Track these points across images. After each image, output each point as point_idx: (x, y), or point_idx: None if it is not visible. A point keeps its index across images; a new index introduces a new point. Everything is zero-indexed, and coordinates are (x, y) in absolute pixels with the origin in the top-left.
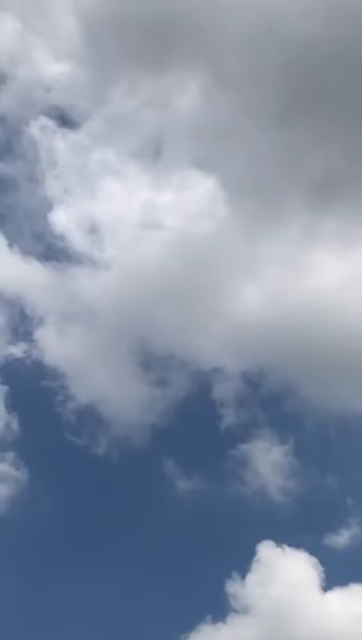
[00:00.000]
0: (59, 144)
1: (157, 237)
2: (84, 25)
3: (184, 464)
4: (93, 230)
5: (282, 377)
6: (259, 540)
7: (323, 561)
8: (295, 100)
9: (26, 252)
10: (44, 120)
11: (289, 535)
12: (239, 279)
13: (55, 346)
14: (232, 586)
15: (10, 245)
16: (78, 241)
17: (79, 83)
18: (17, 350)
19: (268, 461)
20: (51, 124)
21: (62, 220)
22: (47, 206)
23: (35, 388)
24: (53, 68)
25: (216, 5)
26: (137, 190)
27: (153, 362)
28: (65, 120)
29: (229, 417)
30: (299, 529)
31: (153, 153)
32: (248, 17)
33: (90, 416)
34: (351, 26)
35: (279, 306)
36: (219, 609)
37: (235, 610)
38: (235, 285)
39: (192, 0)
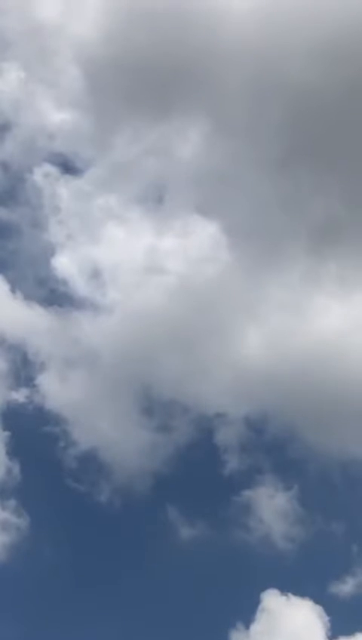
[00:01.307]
0: (63, 190)
1: (160, 282)
2: (87, 74)
3: (187, 511)
4: (95, 275)
5: (285, 422)
6: (264, 588)
7: (328, 610)
8: (295, 147)
9: (28, 297)
10: (47, 167)
11: (294, 583)
12: (241, 324)
13: (57, 391)
14: (237, 637)
15: (13, 290)
16: (80, 285)
17: (82, 131)
18: (19, 396)
19: (271, 507)
20: (55, 171)
21: (65, 264)
22: (50, 251)
23: (37, 434)
24: (56, 116)
25: (217, 54)
26: (140, 235)
27: (156, 407)
28: (68, 167)
29: (232, 463)
30: (304, 577)
31: (156, 199)
32: (248, 66)
33: (91, 463)
34: (350, 73)
35: (281, 350)
36: None
37: None
38: (238, 330)
39: (193, 49)
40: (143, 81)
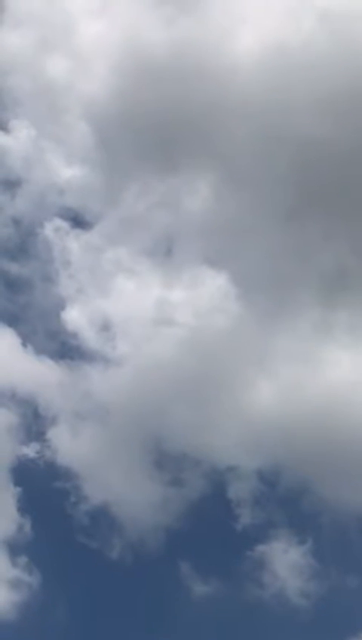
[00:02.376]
0: (73, 244)
1: (170, 333)
2: (97, 130)
3: (200, 567)
4: (105, 328)
5: (299, 475)
6: None
7: None
8: (304, 197)
9: (39, 351)
10: (58, 221)
11: None
12: (252, 375)
13: (68, 445)
14: None
15: (24, 344)
16: (90, 338)
17: (92, 185)
18: (30, 451)
19: (286, 562)
20: (65, 225)
21: (76, 318)
22: (61, 305)
23: (48, 489)
24: (66, 172)
25: (224, 108)
26: (149, 287)
27: (167, 461)
28: (78, 221)
29: (245, 517)
30: (319, 633)
31: (165, 251)
32: (255, 119)
33: (103, 518)
34: (357, 124)
35: (294, 401)
36: None
37: None
38: (249, 381)
39: (200, 104)
40: (151, 136)
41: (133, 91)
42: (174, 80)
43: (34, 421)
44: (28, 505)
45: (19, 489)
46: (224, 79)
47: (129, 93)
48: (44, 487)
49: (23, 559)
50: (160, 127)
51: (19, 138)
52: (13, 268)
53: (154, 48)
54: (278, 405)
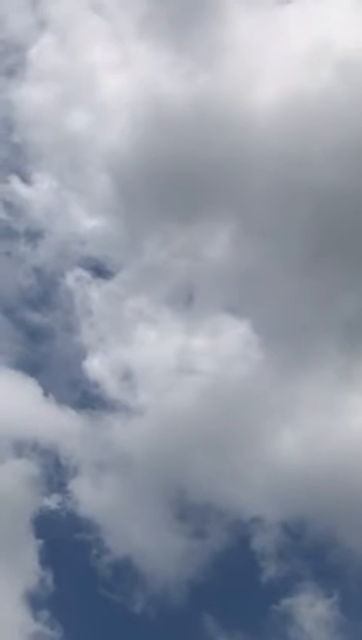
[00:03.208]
0: (94, 294)
1: (192, 382)
2: (118, 181)
3: (224, 621)
4: (127, 377)
5: (324, 526)
6: None
7: None
8: (323, 245)
9: (61, 400)
10: (79, 271)
11: None
12: (276, 424)
13: (89, 496)
14: None
15: (45, 394)
16: (112, 388)
17: (113, 235)
18: (51, 502)
19: (312, 616)
20: (86, 274)
21: (97, 367)
22: (82, 354)
23: (70, 541)
24: (88, 222)
25: (243, 157)
26: (171, 336)
27: (190, 513)
28: (99, 271)
29: (270, 570)
30: None
31: (185, 300)
32: (274, 167)
33: (126, 571)
34: None
35: (318, 451)
36: None
37: None
38: (272, 430)
39: (219, 154)
40: (171, 186)
41: (154, 143)
42: (194, 131)
43: (55, 472)
44: (50, 557)
45: (40, 541)
46: (243, 130)
47: (149, 145)
48: (65, 540)
49: (44, 613)
50: (180, 177)
51: (42, 190)
52: (35, 317)
53: (173, 101)
54: (302, 455)
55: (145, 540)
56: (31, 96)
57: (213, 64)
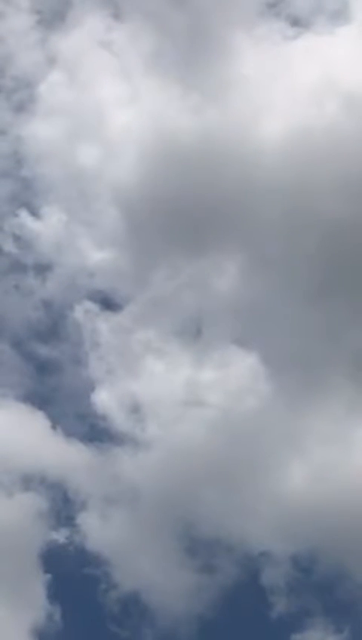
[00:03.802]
0: (103, 326)
1: (200, 415)
2: (126, 215)
3: None
4: (135, 409)
5: (335, 561)
6: None
7: None
8: (331, 277)
9: (69, 433)
10: (87, 304)
11: None
12: (285, 457)
13: (97, 530)
14: None
15: (53, 427)
16: (120, 421)
17: (121, 268)
18: (59, 536)
19: None
20: (95, 307)
21: (105, 400)
22: (90, 387)
23: (78, 576)
24: (96, 255)
25: (250, 190)
26: (179, 368)
27: (198, 547)
28: (108, 303)
29: (280, 605)
30: None
31: (194, 332)
32: (281, 200)
33: (134, 606)
34: None
35: (327, 484)
36: None
37: None
38: (281, 463)
39: (227, 186)
40: (179, 219)
41: (162, 177)
42: (201, 165)
43: (63, 506)
44: (57, 592)
45: (48, 576)
46: (250, 163)
47: (157, 179)
48: (73, 574)
49: None
50: (187, 211)
51: (51, 223)
52: (44, 350)
53: (181, 135)
54: (312, 488)
55: (153, 574)
56: (40, 131)
57: (221, 99)
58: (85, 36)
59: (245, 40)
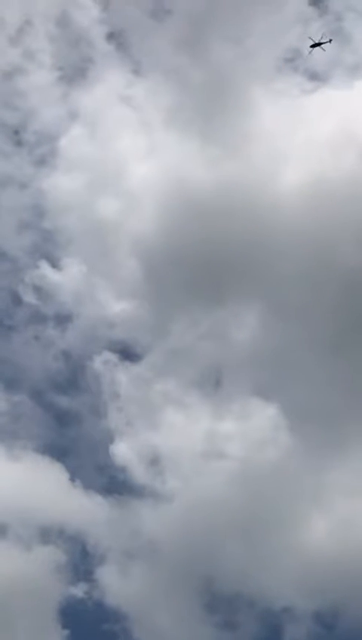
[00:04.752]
0: (122, 377)
1: (220, 467)
2: (145, 265)
3: None
4: (154, 461)
5: (358, 616)
6: None
7: None
8: (352, 326)
9: (88, 486)
10: (107, 354)
11: None
12: (306, 510)
13: (117, 585)
14: None
15: (72, 479)
16: (139, 473)
17: (141, 319)
18: (78, 591)
19: None
20: (114, 357)
21: (124, 451)
22: (109, 438)
23: (97, 631)
24: (116, 306)
25: (269, 241)
26: (199, 419)
27: (219, 602)
28: (127, 353)
29: None
30: None
31: (213, 383)
32: (300, 252)
33: None
34: None
35: (350, 538)
36: None
37: None
38: (302, 517)
39: (246, 237)
40: (198, 270)
41: (181, 228)
42: (220, 216)
43: (82, 559)
44: None
45: (67, 631)
46: (269, 214)
47: (176, 230)
48: (92, 630)
49: None
50: (207, 261)
51: (71, 274)
52: (63, 401)
53: (200, 187)
54: (334, 542)
55: (173, 630)
56: (61, 184)
57: (239, 151)
58: (106, 91)
59: (263, 94)
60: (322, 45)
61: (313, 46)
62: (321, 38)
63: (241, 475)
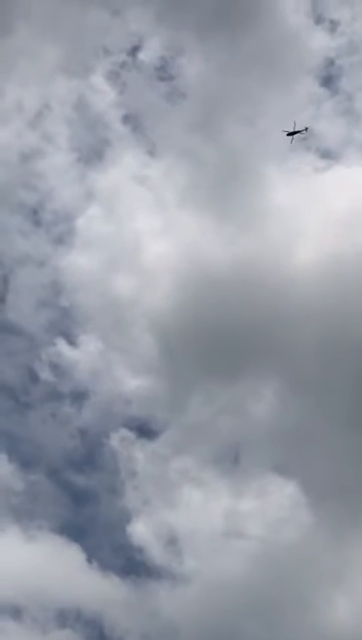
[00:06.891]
0: (139, 454)
1: (240, 546)
2: (161, 341)
3: None
4: (172, 541)
5: None
6: None
7: None
8: None
9: (104, 566)
10: (123, 431)
11: None
12: (328, 590)
13: None
14: None
15: (89, 560)
16: (157, 553)
17: (157, 395)
18: None
19: None
20: (131, 435)
21: (141, 531)
22: (126, 517)
23: None
24: (132, 382)
25: (284, 317)
26: (217, 498)
27: None
28: (144, 430)
29: None
30: None
31: (232, 459)
32: (315, 325)
33: None
34: None
35: None
36: None
37: None
38: (325, 597)
39: (261, 313)
40: (215, 345)
41: (197, 304)
42: (236, 293)
43: None
44: None
45: None
46: (284, 290)
47: (192, 307)
48: None
49: None
50: (222, 337)
51: (87, 351)
52: (80, 480)
53: (215, 264)
54: (358, 623)
55: None
56: (78, 262)
57: (254, 229)
58: (122, 172)
59: (277, 172)
60: (300, 133)
61: (289, 134)
62: (298, 126)
63: (261, 555)
